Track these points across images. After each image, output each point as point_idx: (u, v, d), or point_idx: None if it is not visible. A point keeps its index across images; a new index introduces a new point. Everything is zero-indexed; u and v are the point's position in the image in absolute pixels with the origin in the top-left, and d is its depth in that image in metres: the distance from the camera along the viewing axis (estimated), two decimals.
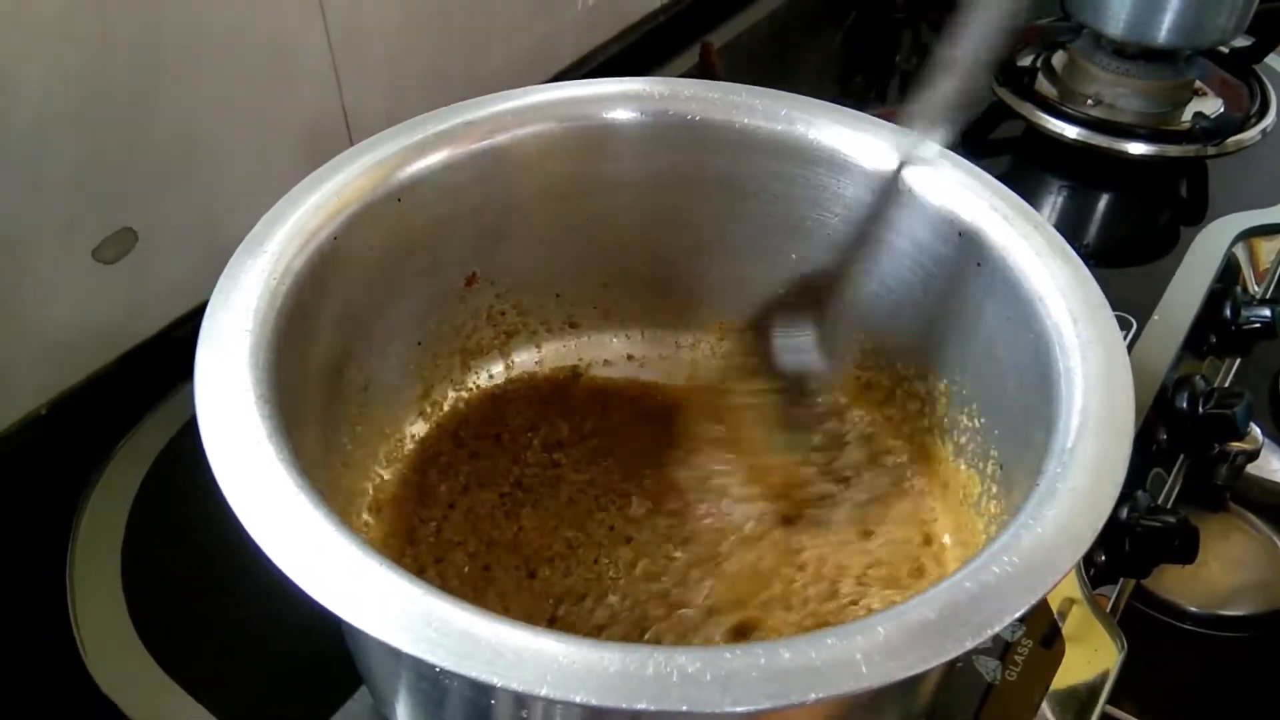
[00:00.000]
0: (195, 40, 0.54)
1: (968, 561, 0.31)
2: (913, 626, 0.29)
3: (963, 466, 0.47)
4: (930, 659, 0.29)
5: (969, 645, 0.29)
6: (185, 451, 0.55)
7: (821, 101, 0.50)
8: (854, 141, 0.49)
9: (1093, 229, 0.78)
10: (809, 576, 0.46)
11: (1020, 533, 0.32)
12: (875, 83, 0.95)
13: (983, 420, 0.45)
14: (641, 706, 0.27)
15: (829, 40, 0.99)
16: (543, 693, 0.28)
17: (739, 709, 0.27)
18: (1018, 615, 0.30)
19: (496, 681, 0.28)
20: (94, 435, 0.56)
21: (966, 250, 0.44)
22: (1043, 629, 0.49)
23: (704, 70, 0.86)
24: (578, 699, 0.27)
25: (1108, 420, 0.35)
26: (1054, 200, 0.79)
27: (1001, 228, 0.43)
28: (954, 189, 0.45)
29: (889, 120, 0.49)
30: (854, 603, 0.45)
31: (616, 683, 0.28)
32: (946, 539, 0.47)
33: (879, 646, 0.28)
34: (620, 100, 0.50)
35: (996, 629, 0.29)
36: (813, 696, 0.27)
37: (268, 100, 0.59)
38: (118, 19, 0.50)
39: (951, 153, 0.46)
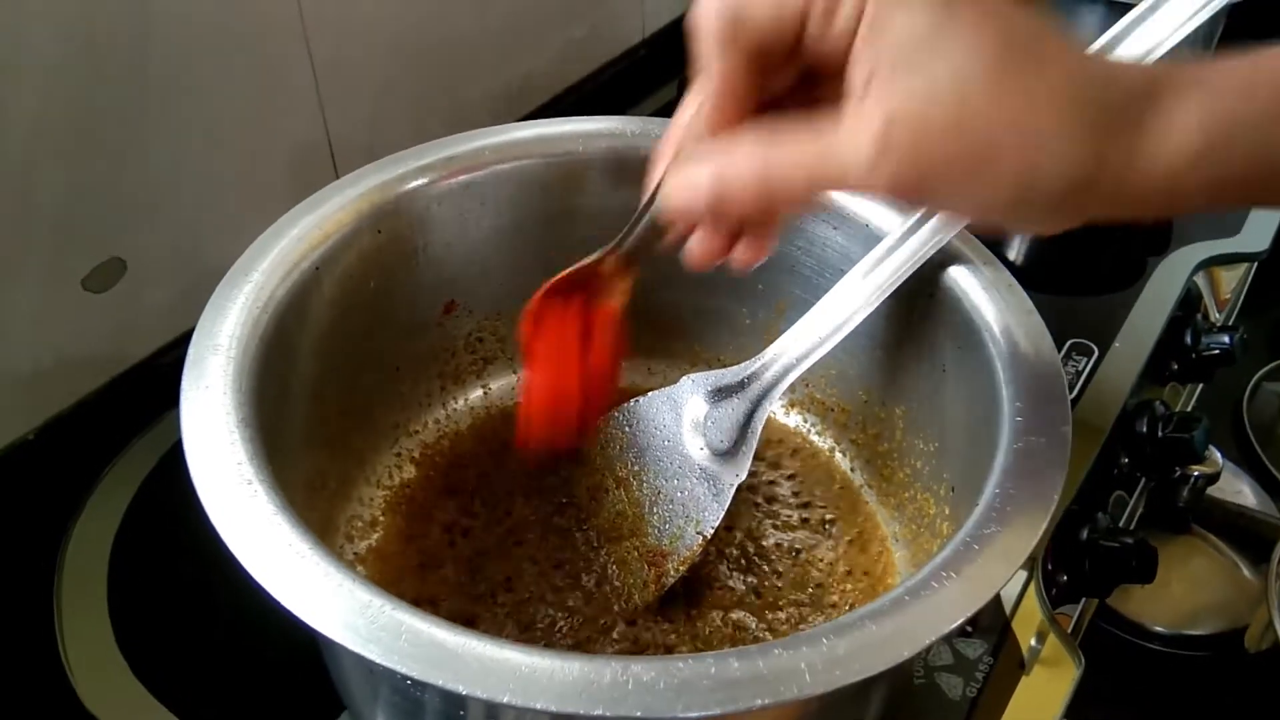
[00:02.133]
0: (183, 71, 0.55)
1: (910, 577, 0.33)
2: (855, 638, 0.31)
3: (919, 489, 0.48)
4: (872, 667, 0.30)
5: (906, 655, 0.30)
6: (171, 477, 0.56)
7: None
8: None
9: (1057, 258, 0.80)
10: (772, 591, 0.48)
11: (960, 549, 0.34)
12: None
13: (936, 445, 0.47)
14: (599, 713, 0.29)
15: None
16: (505, 700, 0.29)
17: (691, 714, 0.29)
18: (954, 627, 0.31)
19: (462, 690, 0.29)
20: (81, 460, 0.57)
21: (921, 281, 0.46)
22: (1004, 647, 0.51)
23: None
24: (539, 705, 0.29)
25: (1046, 445, 0.37)
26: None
27: (953, 261, 0.45)
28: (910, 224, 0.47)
29: None
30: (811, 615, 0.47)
31: (576, 690, 0.29)
32: (900, 559, 0.49)
33: (823, 656, 0.30)
34: (595, 138, 0.52)
35: (933, 639, 0.31)
36: (759, 703, 0.29)
37: (254, 130, 0.61)
38: (106, 50, 0.51)
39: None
